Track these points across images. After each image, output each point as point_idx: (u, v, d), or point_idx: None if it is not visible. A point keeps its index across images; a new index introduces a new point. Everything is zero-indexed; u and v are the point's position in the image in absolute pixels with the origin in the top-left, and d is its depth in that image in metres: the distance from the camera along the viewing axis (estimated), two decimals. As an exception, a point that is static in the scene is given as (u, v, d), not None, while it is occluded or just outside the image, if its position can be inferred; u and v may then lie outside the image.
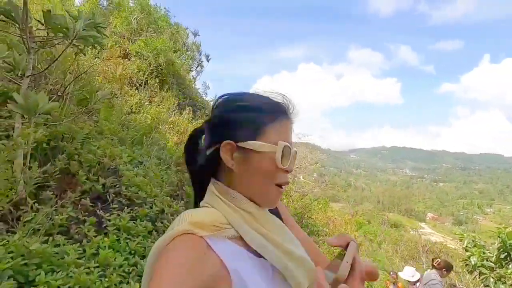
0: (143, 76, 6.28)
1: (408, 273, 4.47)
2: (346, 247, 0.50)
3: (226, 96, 0.65)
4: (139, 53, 6.33)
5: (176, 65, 6.80)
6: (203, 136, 0.64)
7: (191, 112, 6.84)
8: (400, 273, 4.64)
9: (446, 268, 3.73)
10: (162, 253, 0.49)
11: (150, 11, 7.31)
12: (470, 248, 5.53)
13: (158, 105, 6.06)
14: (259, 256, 0.56)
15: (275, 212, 0.67)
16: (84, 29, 1.99)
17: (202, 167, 0.62)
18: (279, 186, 0.59)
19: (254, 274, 0.53)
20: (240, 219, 0.57)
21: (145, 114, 5.13)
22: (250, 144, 0.57)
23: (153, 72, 6.48)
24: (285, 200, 5.75)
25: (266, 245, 0.56)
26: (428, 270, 3.94)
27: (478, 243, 5.39)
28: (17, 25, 1.93)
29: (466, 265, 5.47)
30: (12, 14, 1.89)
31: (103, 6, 7.78)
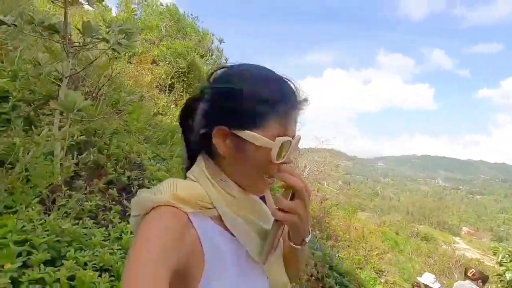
0: (169, 80, 6.59)
1: (428, 279, 4.17)
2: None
3: (227, 70, 0.59)
4: (164, 58, 6.66)
5: (201, 69, 7.07)
6: (197, 111, 0.58)
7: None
8: (419, 278, 4.32)
9: (481, 279, 3.46)
10: (143, 224, 0.48)
11: (179, 19, 7.68)
12: (506, 262, 5.16)
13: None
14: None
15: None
16: (117, 36, 2.20)
17: (195, 143, 0.60)
18: (270, 177, 0.57)
19: (230, 254, 0.54)
20: (223, 201, 0.56)
21: (170, 116, 5.40)
22: (246, 134, 0.53)
23: (180, 76, 6.78)
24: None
25: (240, 224, 0.56)
26: (460, 281, 3.68)
27: (515, 257, 5.01)
28: (59, 34, 2.17)
29: (501, 280, 5.11)
30: (56, 26, 2.14)
31: (136, 16, 8.29)
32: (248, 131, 0.53)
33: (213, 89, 0.57)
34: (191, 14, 8.79)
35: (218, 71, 0.59)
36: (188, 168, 0.62)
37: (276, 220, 0.56)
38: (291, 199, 0.54)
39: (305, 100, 0.58)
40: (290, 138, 0.55)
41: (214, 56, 9.02)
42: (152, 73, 6.62)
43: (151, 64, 6.59)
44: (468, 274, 3.50)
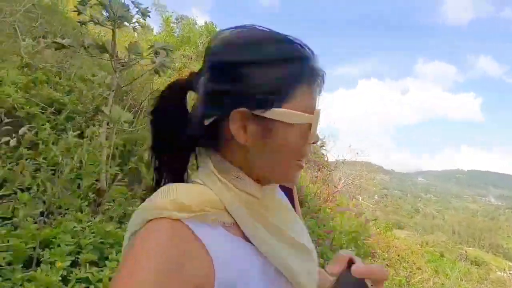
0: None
1: None
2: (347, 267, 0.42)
3: (229, 37, 0.44)
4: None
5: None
6: (194, 95, 0.45)
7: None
8: None
9: None
10: (133, 242, 0.37)
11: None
12: None
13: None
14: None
15: (287, 194, 0.57)
16: (161, 59, 2.39)
17: (190, 138, 0.46)
18: (300, 160, 0.47)
19: (251, 271, 0.41)
20: (240, 205, 0.43)
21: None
22: (274, 113, 0.41)
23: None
24: (338, 218, 5.50)
25: (266, 239, 0.44)
26: None
27: None
28: (108, 53, 2.40)
29: None
30: (105, 45, 2.37)
31: (175, 33, 8.84)
32: (276, 109, 0.41)
33: (218, 63, 0.43)
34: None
35: (218, 39, 0.45)
36: (170, 176, 0.49)
37: None
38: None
39: (322, 66, 0.47)
40: (319, 109, 0.45)
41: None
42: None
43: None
44: None
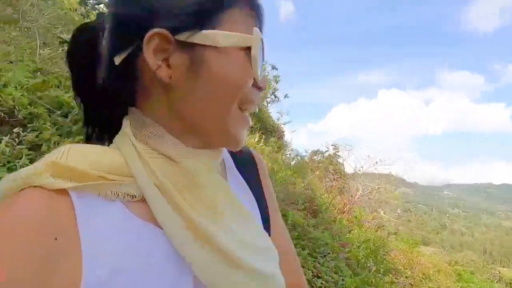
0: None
1: None
2: None
3: None
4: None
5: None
6: (105, 35, 0.35)
7: (262, 136, 7.06)
8: None
9: None
10: None
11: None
12: None
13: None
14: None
15: (250, 174, 0.44)
16: None
17: (107, 88, 0.36)
18: (244, 109, 0.37)
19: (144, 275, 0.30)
20: (151, 172, 0.32)
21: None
22: (203, 35, 0.32)
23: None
24: (356, 231, 5.12)
25: (183, 235, 0.31)
26: None
27: None
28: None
29: None
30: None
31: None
32: (206, 31, 0.32)
33: None
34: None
35: None
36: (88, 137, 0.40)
37: None
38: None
39: None
40: (262, 37, 0.35)
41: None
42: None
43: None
44: None
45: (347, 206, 6.03)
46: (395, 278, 5.10)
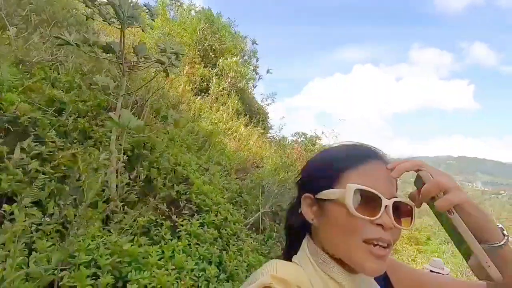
0: (206, 85, 6.71)
1: (437, 264, 3.40)
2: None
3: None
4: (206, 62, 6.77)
5: (236, 73, 7.12)
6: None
7: (248, 118, 7.08)
8: (425, 266, 3.59)
9: None
10: None
11: (213, 21, 7.77)
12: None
13: (218, 111, 6.41)
14: None
15: (382, 282, 0.60)
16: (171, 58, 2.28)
17: (298, 226, 0.60)
18: (370, 243, 0.49)
19: None
20: (324, 286, 0.50)
21: (206, 120, 5.47)
22: (325, 193, 0.53)
23: (218, 81, 6.87)
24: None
25: None
26: None
27: None
28: (115, 54, 2.26)
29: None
30: (112, 46, 2.23)
31: (172, 18, 8.51)
32: (327, 190, 0.53)
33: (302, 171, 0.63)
34: (228, 18, 8.85)
35: None
36: (287, 252, 0.61)
37: (448, 216, 0.46)
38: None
39: (377, 151, 0.58)
40: (368, 188, 0.49)
41: (245, 57, 9.03)
42: (188, 76, 6.76)
43: (189, 67, 6.72)
44: None
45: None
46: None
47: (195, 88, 6.71)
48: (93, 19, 2.02)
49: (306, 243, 0.57)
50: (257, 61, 9.73)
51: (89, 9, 1.94)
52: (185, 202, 2.29)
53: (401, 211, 0.52)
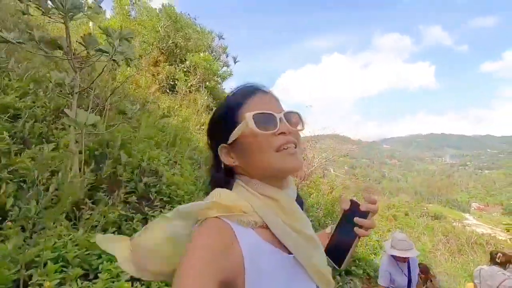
0: (173, 82, 6.60)
1: (399, 237, 2.81)
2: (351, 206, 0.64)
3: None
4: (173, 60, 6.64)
5: (206, 70, 7.06)
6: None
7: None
8: (386, 243, 2.98)
9: (509, 261, 3.18)
10: (192, 237, 0.52)
11: (176, 19, 7.63)
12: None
13: (188, 107, 6.36)
14: (285, 251, 0.58)
15: (299, 202, 0.69)
16: (117, 46, 2.21)
17: (223, 176, 0.66)
18: (281, 150, 0.59)
19: (274, 270, 0.55)
20: (265, 206, 0.59)
21: (176, 117, 5.42)
22: (234, 134, 0.61)
23: (185, 78, 6.78)
24: (314, 194, 5.81)
25: (289, 232, 0.58)
26: (489, 267, 3.18)
27: (530, 232, 4.99)
28: (63, 50, 2.19)
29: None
30: (58, 42, 2.16)
31: (132, 17, 8.25)
32: (233, 132, 0.61)
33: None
34: (189, 14, 8.70)
35: None
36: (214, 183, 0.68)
37: (356, 235, 0.61)
38: (361, 215, 0.61)
39: (260, 86, 0.66)
40: (262, 110, 0.60)
41: (214, 53, 8.96)
42: (153, 75, 6.63)
43: (154, 66, 6.59)
44: (497, 260, 3.23)
45: (307, 174, 6.58)
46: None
47: (162, 87, 6.60)
48: (30, 14, 1.94)
49: (238, 180, 0.64)
50: (227, 57, 9.69)
51: (22, 4, 1.85)
52: (156, 194, 2.30)
53: (292, 121, 0.64)
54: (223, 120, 0.64)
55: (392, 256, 2.69)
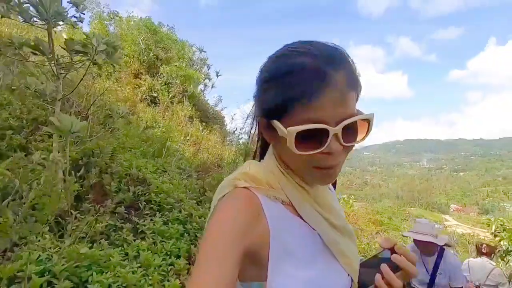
0: (153, 93, 6.51)
1: (421, 221, 2.50)
2: (390, 249, 0.53)
3: (269, 57, 0.54)
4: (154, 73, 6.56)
5: (184, 78, 7.03)
6: None
7: (201, 124, 7.02)
8: (406, 234, 2.75)
9: (493, 252, 3.27)
10: (218, 206, 0.49)
11: (155, 30, 7.60)
12: (500, 232, 5.38)
13: (171, 119, 6.27)
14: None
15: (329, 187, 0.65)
16: (105, 48, 2.16)
17: (262, 146, 0.64)
18: (320, 169, 0.50)
19: (300, 243, 0.52)
20: (292, 188, 0.55)
21: (159, 129, 5.32)
22: (275, 123, 0.50)
23: (166, 89, 6.71)
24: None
25: (316, 216, 0.55)
26: (477, 258, 3.28)
27: (508, 227, 5.20)
28: (45, 56, 2.11)
29: (498, 251, 5.29)
30: (40, 47, 2.08)
31: (110, 31, 8.14)
32: (276, 121, 0.50)
33: (257, 79, 0.55)
34: (167, 25, 8.70)
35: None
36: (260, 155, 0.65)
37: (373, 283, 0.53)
38: (391, 268, 0.51)
39: (339, 67, 0.47)
40: (312, 126, 0.45)
41: (195, 66, 8.96)
42: (135, 87, 6.52)
43: (135, 78, 6.49)
44: (483, 250, 3.28)
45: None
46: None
47: (144, 99, 6.49)
48: (10, 18, 1.86)
49: (272, 152, 0.58)
50: (208, 69, 9.70)
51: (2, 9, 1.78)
52: (145, 203, 2.21)
53: (351, 133, 0.49)
54: (275, 96, 0.48)
55: (415, 244, 2.36)
